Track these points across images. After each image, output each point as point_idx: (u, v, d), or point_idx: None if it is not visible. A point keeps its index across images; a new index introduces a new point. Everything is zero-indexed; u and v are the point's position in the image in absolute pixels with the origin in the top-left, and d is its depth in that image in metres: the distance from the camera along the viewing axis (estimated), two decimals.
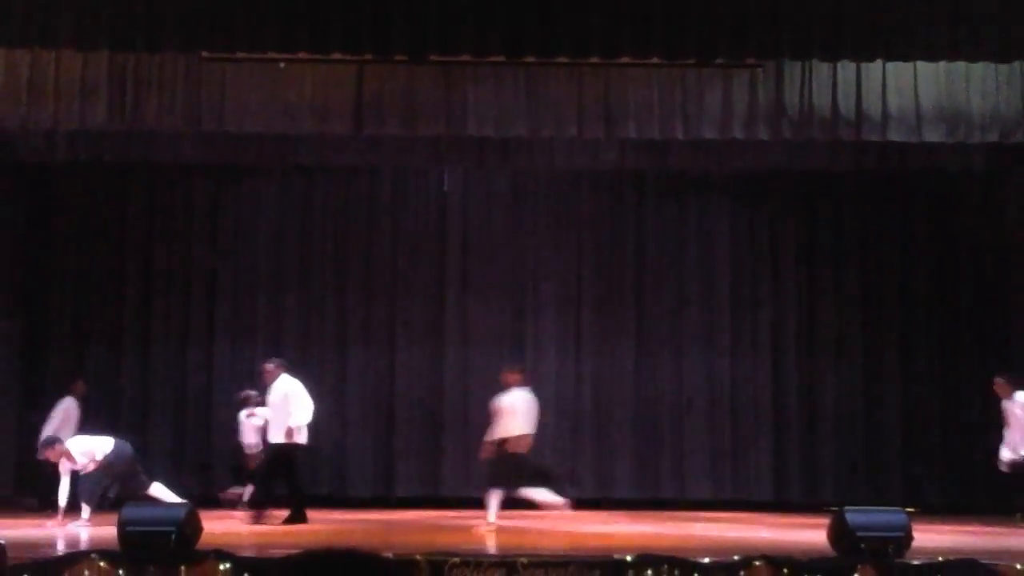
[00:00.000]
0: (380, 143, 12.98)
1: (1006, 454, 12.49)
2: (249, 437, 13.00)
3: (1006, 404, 12.55)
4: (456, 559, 8.43)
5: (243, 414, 13.02)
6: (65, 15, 10.85)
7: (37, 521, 11.19)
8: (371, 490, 14.38)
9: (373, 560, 2.11)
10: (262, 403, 12.41)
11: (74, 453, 11.42)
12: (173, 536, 8.45)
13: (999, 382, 12.71)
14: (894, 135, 11.67)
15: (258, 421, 12.79)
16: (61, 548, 9.26)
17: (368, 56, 11.27)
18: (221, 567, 8.24)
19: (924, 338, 14.50)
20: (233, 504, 12.62)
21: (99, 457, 11.43)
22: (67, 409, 13.16)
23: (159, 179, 14.40)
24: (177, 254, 14.53)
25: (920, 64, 11.41)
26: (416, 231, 14.73)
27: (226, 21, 10.94)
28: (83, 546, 9.29)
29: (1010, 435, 12.50)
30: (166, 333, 14.40)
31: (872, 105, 11.57)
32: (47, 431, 12.66)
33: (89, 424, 13.18)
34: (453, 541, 10.01)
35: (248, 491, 12.43)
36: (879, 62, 11.38)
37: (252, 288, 14.50)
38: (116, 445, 11.52)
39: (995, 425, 12.72)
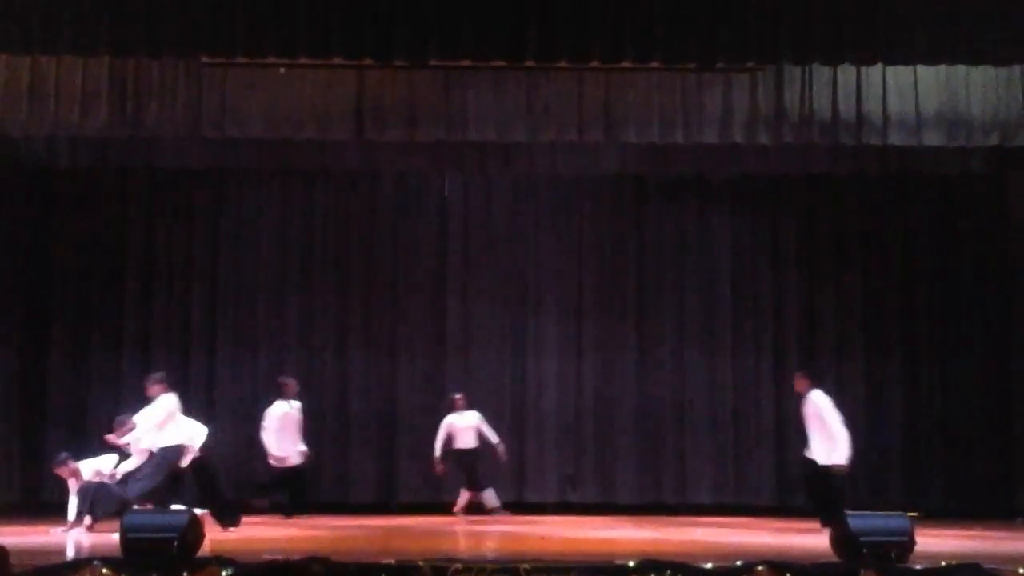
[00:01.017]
0: (381, 148, 12.98)
1: (827, 456, 12.19)
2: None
3: (804, 402, 12.39)
4: (458, 565, 8.41)
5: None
6: (66, 21, 10.83)
7: (42, 528, 11.19)
8: (372, 496, 14.37)
9: (369, 569, 2.06)
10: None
11: (83, 472, 11.48)
12: (175, 542, 8.44)
13: (798, 377, 12.61)
14: (895, 139, 11.68)
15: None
16: (68, 555, 9.27)
17: (368, 61, 11.27)
18: (223, 573, 8.23)
19: (926, 341, 14.49)
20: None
21: (106, 471, 11.47)
22: (284, 414, 13.19)
23: (160, 184, 14.40)
24: (178, 259, 14.53)
25: (920, 68, 11.42)
26: (417, 236, 14.73)
27: (226, 27, 10.93)
28: (86, 553, 9.29)
29: (813, 437, 12.28)
30: (167, 338, 14.39)
31: (872, 109, 11.58)
32: (268, 439, 12.98)
33: (91, 427, 13.19)
34: (455, 546, 10.02)
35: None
36: (879, 66, 11.37)
37: (253, 293, 14.50)
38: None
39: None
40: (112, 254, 14.43)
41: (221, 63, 11.39)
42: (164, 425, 11.52)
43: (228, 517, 11.43)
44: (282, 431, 13.12)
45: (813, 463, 12.27)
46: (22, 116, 11.44)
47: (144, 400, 11.61)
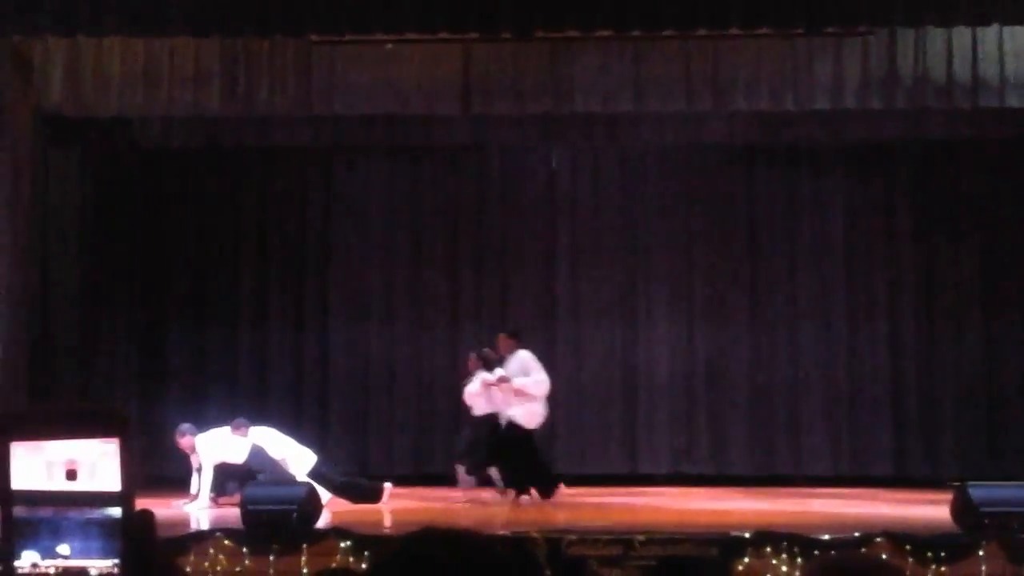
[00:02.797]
0: (488, 121, 13.02)
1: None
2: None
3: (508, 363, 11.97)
4: (573, 536, 8.47)
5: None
6: (177, 4, 11.03)
7: (164, 500, 11.44)
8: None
9: (486, 541, 2.10)
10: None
11: (199, 450, 11.61)
12: (294, 515, 8.61)
13: (503, 338, 12.25)
14: (1013, 101, 11.40)
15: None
16: (191, 527, 9.48)
17: (474, 35, 11.30)
18: (341, 544, 8.38)
19: None
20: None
21: (223, 459, 11.57)
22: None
23: (272, 162, 14.59)
24: (291, 236, 14.72)
25: None
26: (525, 208, 14.74)
27: (334, 5, 11.04)
28: (208, 525, 9.49)
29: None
30: (282, 314, 14.60)
31: (989, 71, 11.32)
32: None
33: (209, 405, 13.44)
34: (569, 518, 10.05)
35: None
36: (995, 27, 11.10)
37: (365, 269, 14.64)
38: (251, 453, 11.63)
39: None
40: (226, 232, 14.66)
41: (329, 40, 11.50)
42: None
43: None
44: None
45: (500, 425, 11.93)
46: (137, 98, 11.68)
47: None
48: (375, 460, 14.19)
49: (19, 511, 3.63)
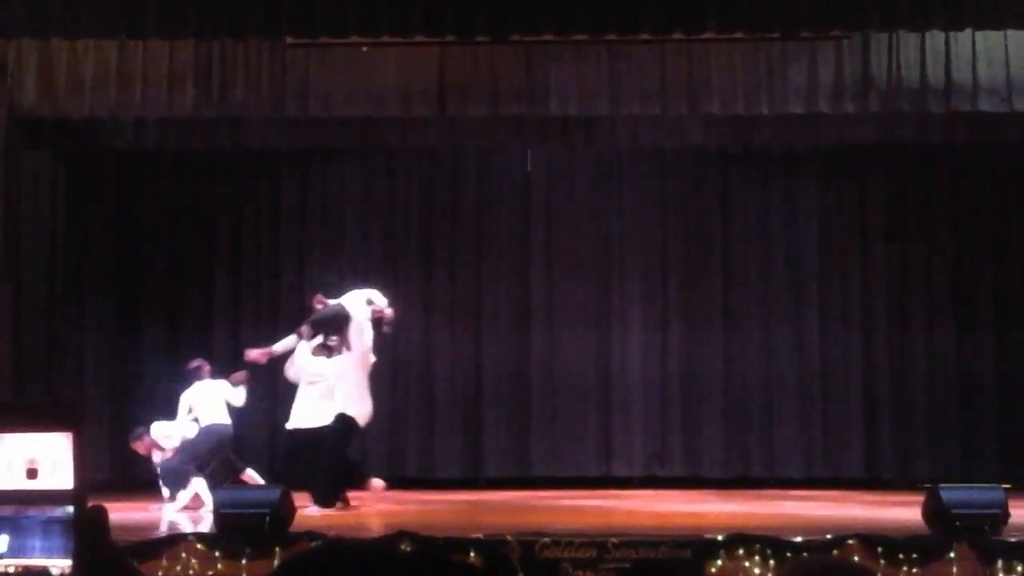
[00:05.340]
0: (463, 124, 13.01)
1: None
2: None
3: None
4: (546, 539, 8.47)
5: None
6: (151, 5, 11.01)
7: (140, 505, 11.40)
8: (459, 471, 14.45)
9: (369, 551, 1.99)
10: None
11: (157, 439, 11.63)
12: (267, 518, 8.58)
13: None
14: (985, 105, 11.46)
15: None
16: (161, 531, 9.44)
17: (450, 38, 11.31)
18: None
19: (1019, 313, 14.22)
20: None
21: (178, 442, 11.61)
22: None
23: (246, 164, 14.55)
24: (265, 238, 14.69)
25: (1011, 32, 11.19)
26: (500, 211, 14.75)
27: (309, 7, 11.04)
28: (180, 529, 9.45)
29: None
30: (257, 317, 14.56)
31: (962, 75, 11.37)
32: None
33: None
34: (543, 521, 10.04)
35: None
36: (968, 31, 11.17)
37: (340, 271, 14.60)
38: (203, 429, 11.67)
39: None
40: (201, 235, 14.62)
41: (304, 43, 11.49)
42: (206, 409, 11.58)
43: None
44: None
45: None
46: (110, 99, 11.64)
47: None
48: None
49: None
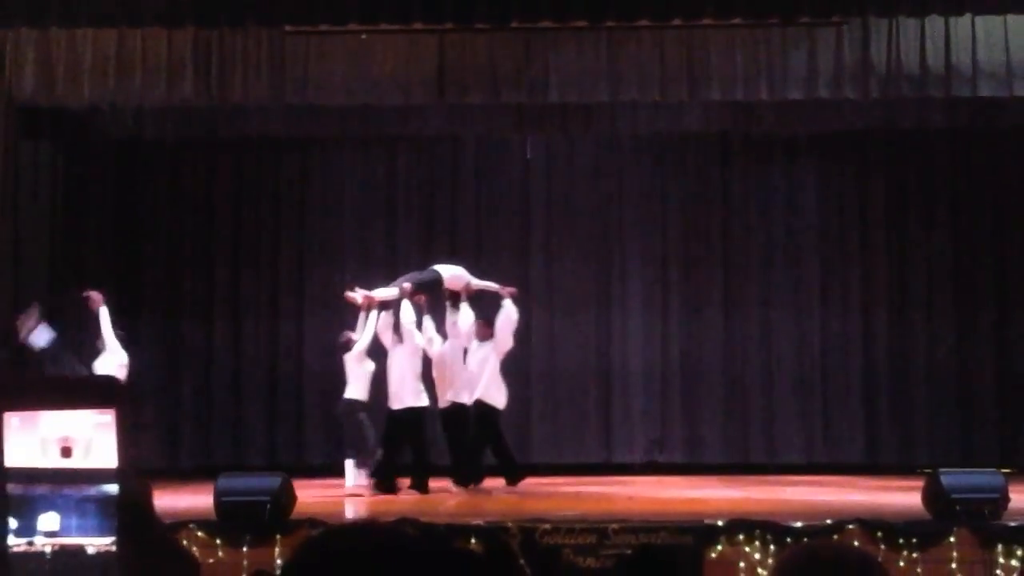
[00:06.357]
0: (463, 112, 13.02)
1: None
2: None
3: None
4: (547, 525, 8.49)
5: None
6: None
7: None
8: None
9: (400, 536, 2.01)
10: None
11: None
12: (268, 506, 8.59)
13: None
14: (985, 90, 11.46)
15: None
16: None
17: (449, 25, 11.30)
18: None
19: (1018, 297, 14.22)
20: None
21: None
22: None
23: (246, 153, 14.54)
24: (265, 226, 14.68)
25: (1011, 17, 11.17)
26: (500, 199, 14.74)
27: None
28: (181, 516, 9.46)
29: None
30: (256, 305, 14.56)
31: (962, 60, 11.36)
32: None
33: (184, 396, 13.41)
34: (544, 507, 10.06)
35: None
36: (968, 16, 11.15)
37: (340, 259, 14.60)
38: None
39: None
40: (200, 223, 14.61)
41: (303, 31, 11.48)
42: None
43: None
44: None
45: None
46: (109, 88, 11.63)
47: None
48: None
49: (14, 489, 3.59)
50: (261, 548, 8.29)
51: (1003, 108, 12.20)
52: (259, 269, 14.65)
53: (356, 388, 11.61)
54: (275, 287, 14.64)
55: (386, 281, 14.05)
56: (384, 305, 11.63)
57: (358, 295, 11.77)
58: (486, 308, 12.36)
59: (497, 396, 11.96)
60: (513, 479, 11.82)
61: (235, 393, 14.32)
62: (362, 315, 11.71)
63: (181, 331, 14.45)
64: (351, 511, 10.34)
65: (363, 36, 11.57)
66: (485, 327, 12.00)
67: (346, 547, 1.94)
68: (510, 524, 8.49)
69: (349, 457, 11.65)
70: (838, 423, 14.24)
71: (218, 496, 8.77)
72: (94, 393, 3.40)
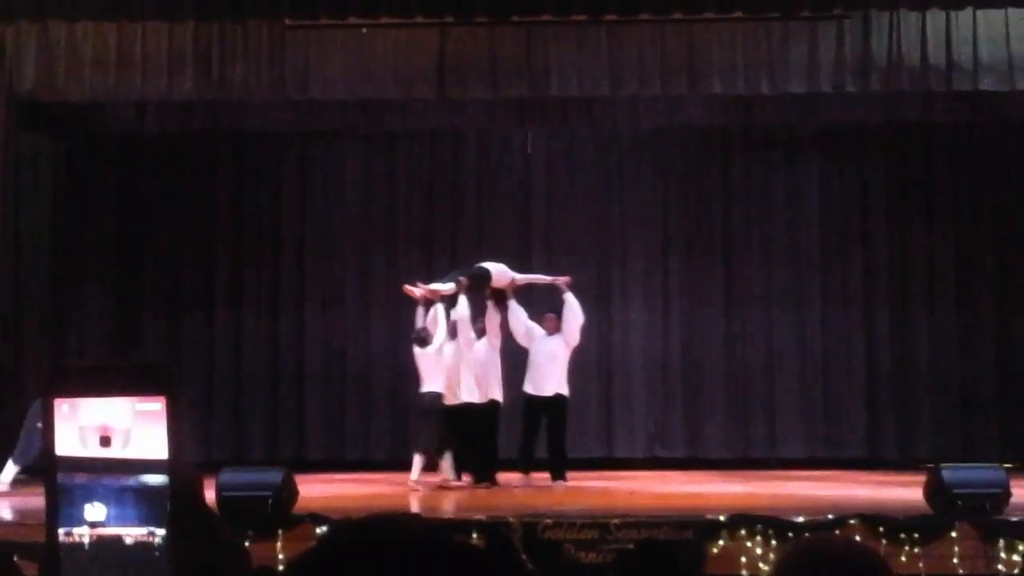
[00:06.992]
0: (463, 106, 13.00)
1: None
2: None
3: None
4: (549, 520, 8.48)
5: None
6: None
7: None
8: None
9: (413, 528, 2.03)
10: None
11: None
12: (270, 500, 8.58)
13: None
14: (986, 84, 11.45)
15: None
16: None
17: (449, 19, 11.29)
18: (317, 530, 8.36)
19: (1019, 292, 14.21)
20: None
21: None
22: None
23: (246, 147, 14.52)
24: (266, 221, 14.66)
25: (1012, 11, 11.16)
26: (501, 193, 14.72)
27: None
28: None
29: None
30: (257, 299, 14.55)
31: (963, 54, 11.36)
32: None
33: (184, 392, 13.39)
34: (545, 502, 10.06)
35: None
36: (969, 10, 11.14)
37: (340, 254, 14.60)
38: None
39: None
40: (200, 217, 14.59)
41: (304, 25, 11.46)
42: None
43: None
44: None
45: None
46: (110, 82, 11.62)
47: None
48: (351, 446, 14.18)
49: (59, 478, 3.60)
50: (263, 543, 8.27)
51: (1004, 102, 12.18)
52: (259, 263, 14.63)
53: (437, 382, 11.43)
54: (276, 281, 14.63)
55: (387, 274, 14.11)
56: (443, 299, 11.56)
57: (417, 289, 11.68)
58: (545, 301, 12.41)
59: (561, 388, 11.87)
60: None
61: (236, 387, 14.31)
62: (420, 310, 11.59)
63: (181, 325, 14.44)
64: (355, 508, 10.32)
65: (363, 30, 11.56)
66: (555, 320, 11.96)
67: (358, 540, 1.95)
68: (511, 519, 8.48)
69: (421, 450, 11.45)
70: (839, 418, 14.23)
71: (219, 491, 8.75)
72: (141, 380, 3.36)
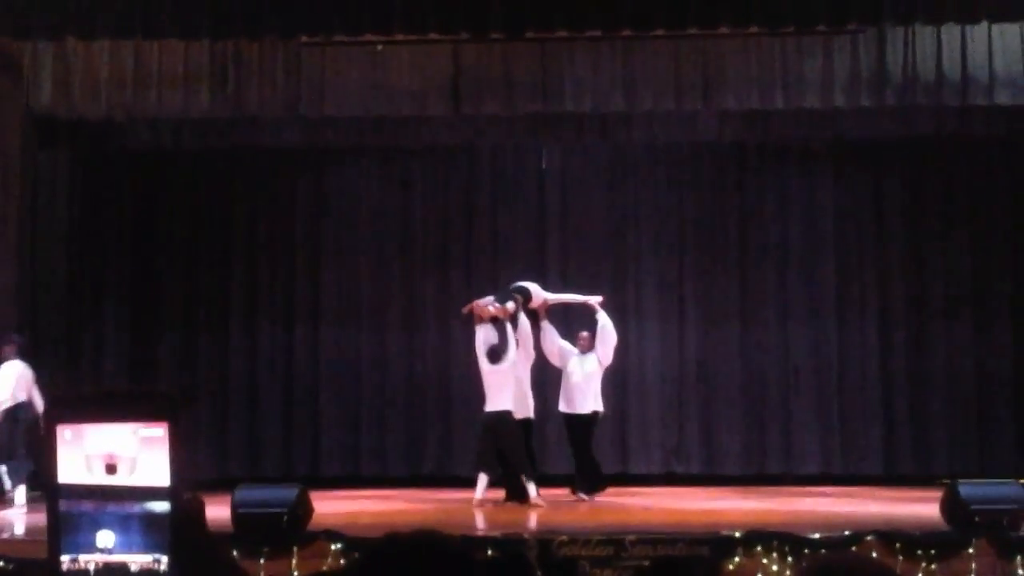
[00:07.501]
0: (478, 122, 13.03)
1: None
2: None
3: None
4: (564, 537, 8.47)
5: None
6: (166, 5, 11.04)
7: None
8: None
9: (451, 543, 2.06)
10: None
11: None
12: (285, 517, 8.58)
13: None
14: (1002, 98, 11.44)
15: None
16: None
17: (464, 35, 11.31)
18: (332, 547, 8.37)
19: None
20: None
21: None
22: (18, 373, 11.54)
23: (262, 163, 14.56)
24: (281, 237, 14.69)
25: None
26: (515, 208, 14.72)
27: (323, 6, 11.06)
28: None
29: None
30: (273, 315, 14.57)
31: (978, 68, 11.35)
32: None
33: (200, 408, 13.43)
34: (561, 519, 10.04)
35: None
36: (984, 24, 11.13)
37: (355, 270, 14.61)
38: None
39: None
40: (216, 234, 14.62)
41: (319, 42, 11.50)
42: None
43: None
44: None
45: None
46: (125, 100, 11.68)
47: None
48: (367, 461, 14.18)
49: (62, 505, 3.61)
50: (278, 560, 8.28)
51: (1020, 116, 12.15)
52: (275, 280, 14.66)
53: (507, 398, 11.49)
54: (291, 297, 14.65)
55: (402, 290, 14.12)
56: (495, 318, 11.61)
57: (491, 308, 11.64)
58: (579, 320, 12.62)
59: (597, 406, 12.04)
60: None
61: (251, 404, 14.33)
62: (484, 328, 11.59)
63: (197, 341, 14.46)
64: (369, 524, 10.31)
65: (378, 47, 11.60)
66: (588, 339, 12.11)
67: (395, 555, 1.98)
68: (527, 535, 8.47)
69: (484, 468, 11.49)
70: (856, 434, 14.18)
71: (235, 507, 8.76)
72: (144, 406, 3.37)
